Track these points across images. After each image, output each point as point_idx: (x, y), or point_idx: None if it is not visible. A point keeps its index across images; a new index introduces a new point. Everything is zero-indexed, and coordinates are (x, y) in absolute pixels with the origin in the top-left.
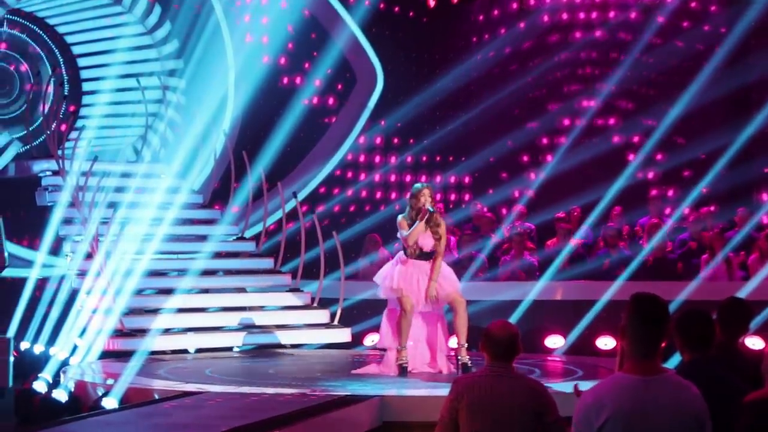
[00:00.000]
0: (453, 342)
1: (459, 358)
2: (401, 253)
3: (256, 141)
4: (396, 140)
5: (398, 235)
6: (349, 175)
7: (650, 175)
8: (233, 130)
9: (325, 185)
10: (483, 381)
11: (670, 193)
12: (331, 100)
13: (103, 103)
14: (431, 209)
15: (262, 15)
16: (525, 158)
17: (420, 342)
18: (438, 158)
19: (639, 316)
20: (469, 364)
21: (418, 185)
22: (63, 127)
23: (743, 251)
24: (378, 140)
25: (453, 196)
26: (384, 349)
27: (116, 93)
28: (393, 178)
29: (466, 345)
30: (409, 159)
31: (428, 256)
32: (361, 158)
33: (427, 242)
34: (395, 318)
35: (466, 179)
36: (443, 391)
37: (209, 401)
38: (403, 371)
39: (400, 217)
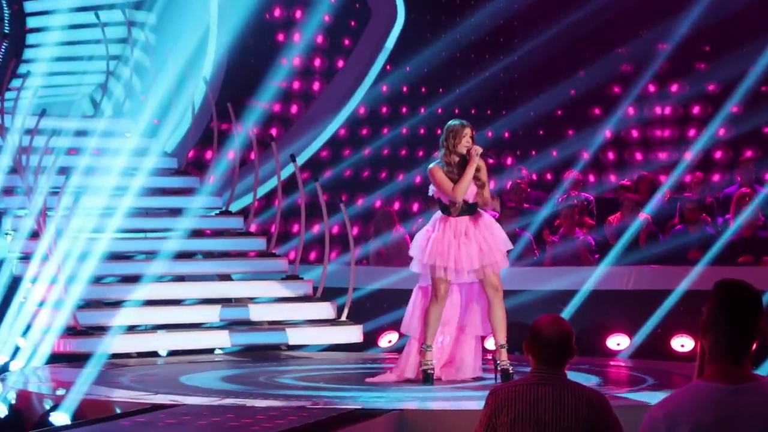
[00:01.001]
0: (490, 343)
1: (498, 362)
2: (437, 214)
3: (245, 91)
4: (423, 89)
5: (430, 191)
6: (361, 134)
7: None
8: (216, 77)
9: (330, 146)
10: (527, 391)
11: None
12: (339, 40)
13: (53, 43)
14: (480, 150)
15: None
16: (568, 113)
17: (449, 329)
18: (473, 111)
19: (724, 310)
20: (511, 371)
21: (455, 122)
22: (2, 74)
23: None
24: (396, 90)
25: (491, 160)
26: (400, 350)
27: (69, 30)
28: (412, 138)
29: (506, 346)
30: (438, 111)
31: (472, 209)
32: (376, 113)
33: (470, 194)
34: (426, 301)
35: (507, 137)
36: (477, 404)
37: (184, 417)
38: (427, 378)
39: (433, 164)
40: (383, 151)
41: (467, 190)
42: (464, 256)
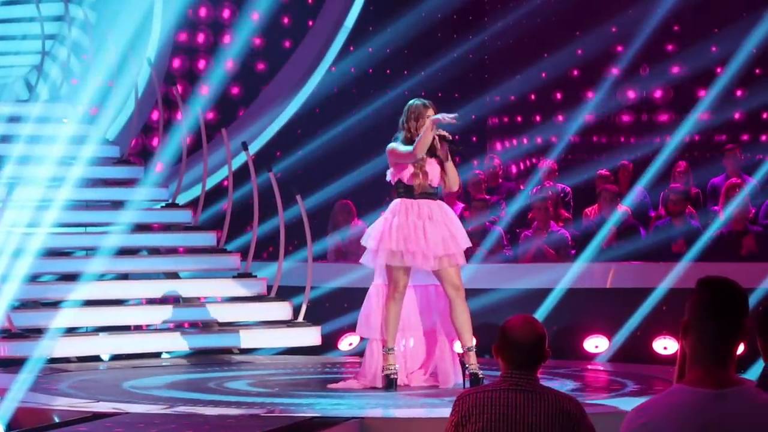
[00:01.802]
0: (457, 346)
1: (466, 366)
2: (396, 201)
3: (192, 73)
4: (387, 71)
5: (388, 176)
6: (319, 119)
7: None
8: (161, 59)
9: (286, 134)
10: (498, 397)
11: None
12: (293, 18)
13: None
14: (448, 136)
15: None
16: (558, 95)
17: (412, 333)
18: (440, 94)
19: (707, 309)
20: (480, 375)
21: (417, 101)
22: None
23: None
24: (357, 72)
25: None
26: (361, 353)
27: (1, 7)
28: (375, 124)
29: (473, 348)
30: (405, 93)
31: (434, 194)
32: (335, 97)
33: (434, 174)
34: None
35: (478, 124)
36: (444, 411)
37: (128, 425)
38: (390, 384)
39: (391, 144)
40: (343, 138)
41: (424, 151)
42: (432, 239)
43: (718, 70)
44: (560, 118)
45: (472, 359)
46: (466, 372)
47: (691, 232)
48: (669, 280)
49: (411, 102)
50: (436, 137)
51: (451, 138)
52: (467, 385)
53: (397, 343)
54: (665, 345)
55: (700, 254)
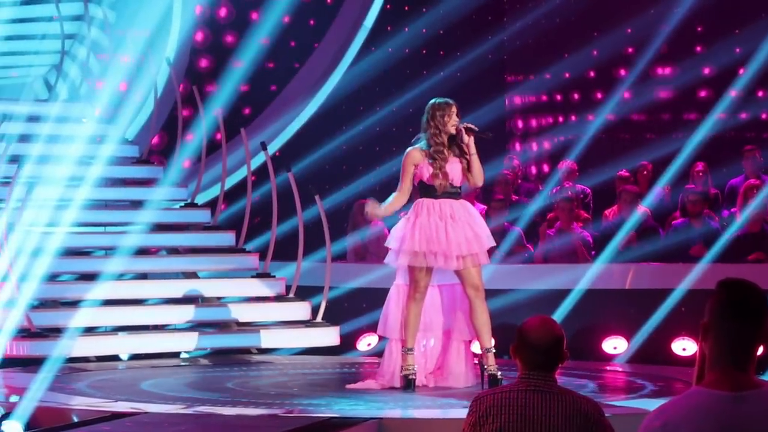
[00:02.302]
0: (476, 346)
1: (485, 367)
2: (417, 201)
3: (212, 73)
4: (407, 71)
5: (398, 188)
6: (339, 120)
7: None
8: (180, 58)
9: (305, 133)
10: (515, 398)
11: None
12: (313, 17)
13: (3, 20)
14: (474, 128)
15: None
16: (576, 95)
17: (432, 333)
18: (459, 94)
19: (727, 311)
20: (499, 376)
21: (440, 100)
22: None
23: None
24: (377, 71)
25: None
26: (380, 353)
27: (20, 6)
28: (394, 124)
29: (492, 349)
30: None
31: (456, 193)
32: (354, 97)
33: (455, 173)
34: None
35: (497, 124)
36: (461, 412)
37: (147, 425)
38: (409, 384)
39: (411, 147)
40: (362, 138)
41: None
42: (454, 239)
43: (741, 70)
44: (582, 117)
45: (491, 360)
46: (485, 373)
47: (710, 233)
48: (688, 281)
49: (432, 101)
50: (462, 130)
51: (477, 129)
52: (486, 385)
53: (418, 343)
54: (684, 346)
55: (719, 255)
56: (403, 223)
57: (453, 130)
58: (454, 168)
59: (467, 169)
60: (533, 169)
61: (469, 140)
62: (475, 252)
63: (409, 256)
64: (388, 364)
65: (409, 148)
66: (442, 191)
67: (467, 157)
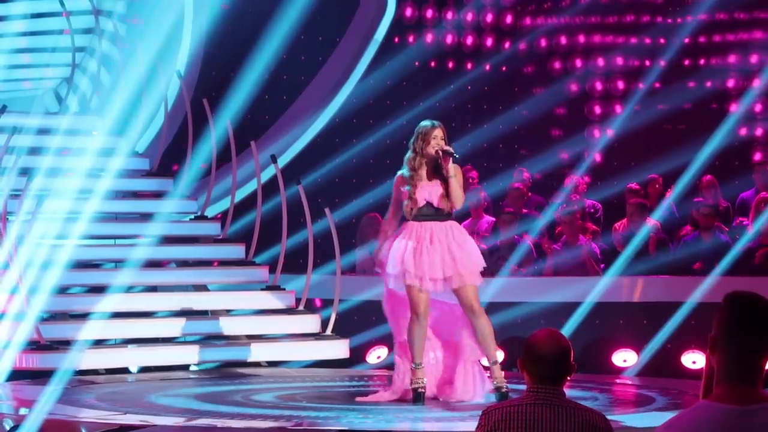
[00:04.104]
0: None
1: (493, 382)
2: (402, 225)
3: (222, 85)
4: (419, 83)
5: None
6: (349, 133)
7: (758, 132)
8: (191, 71)
9: (315, 146)
10: (523, 411)
11: None
12: (324, 30)
13: (13, 33)
14: (453, 152)
15: None
16: (586, 110)
17: (437, 344)
18: (469, 106)
19: (735, 324)
20: (505, 389)
21: (426, 123)
22: None
23: None
24: (386, 86)
25: (485, 162)
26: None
27: (31, 19)
28: (403, 137)
29: (498, 362)
30: (436, 105)
31: (436, 216)
32: (365, 110)
33: (433, 195)
34: (397, 305)
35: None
36: (471, 425)
37: None
38: (418, 397)
39: (397, 174)
40: (371, 151)
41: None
42: (426, 262)
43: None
44: (591, 132)
45: (497, 373)
46: (494, 387)
47: (719, 247)
48: (698, 294)
49: (420, 123)
50: (440, 153)
51: (453, 151)
52: (493, 399)
53: (426, 355)
54: (694, 359)
55: (729, 269)
56: (387, 245)
57: (432, 152)
58: (433, 191)
59: (447, 194)
60: (542, 182)
61: (447, 164)
62: (450, 276)
63: (401, 279)
64: (398, 377)
65: (398, 173)
66: (411, 216)
67: (445, 175)
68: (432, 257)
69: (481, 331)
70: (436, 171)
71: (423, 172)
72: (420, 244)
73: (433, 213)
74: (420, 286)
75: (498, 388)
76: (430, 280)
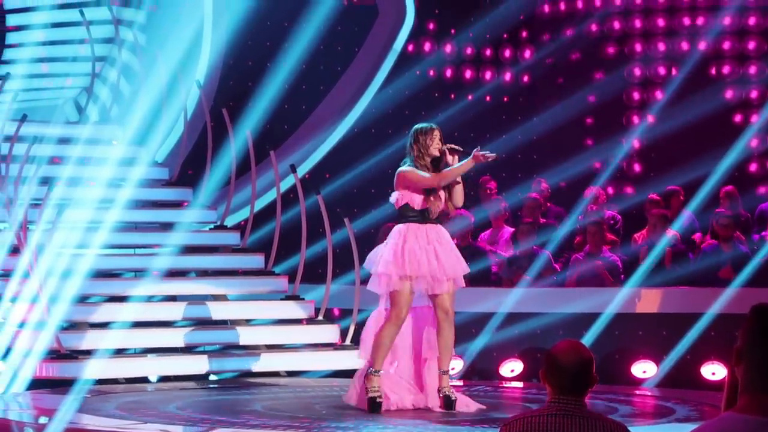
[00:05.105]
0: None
1: (440, 389)
2: (399, 227)
3: (242, 96)
4: (436, 94)
5: (392, 198)
6: (368, 142)
7: None
8: (210, 81)
9: (334, 156)
10: (545, 422)
11: None
12: (343, 40)
13: (34, 42)
14: (458, 148)
15: None
16: (606, 119)
17: (405, 356)
18: (489, 117)
19: (759, 337)
20: (453, 398)
21: (423, 125)
22: None
23: None
24: (405, 96)
25: (504, 172)
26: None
27: (51, 29)
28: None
29: (449, 372)
30: (453, 116)
31: (438, 218)
32: (384, 120)
33: (441, 198)
34: (422, 321)
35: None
36: None
37: None
38: (375, 406)
39: (407, 168)
40: (389, 161)
41: (449, 182)
42: (445, 261)
43: None
44: (609, 142)
45: (446, 382)
46: (440, 394)
47: (739, 257)
48: (718, 305)
49: (416, 126)
50: (447, 151)
51: (460, 148)
52: (441, 407)
53: (400, 364)
54: (713, 370)
55: (750, 280)
56: (387, 249)
57: (437, 153)
58: (440, 193)
59: (448, 194)
60: (561, 193)
61: (453, 160)
62: (459, 275)
63: (397, 282)
64: (353, 391)
65: (402, 168)
66: (434, 216)
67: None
68: (447, 257)
69: (445, 335)
70: (437, 172)
71: (429, 174)
72: (432, 246)
73: (431, 217)
74: (435, 290)
75: (445, 395)
76: (435, 281)
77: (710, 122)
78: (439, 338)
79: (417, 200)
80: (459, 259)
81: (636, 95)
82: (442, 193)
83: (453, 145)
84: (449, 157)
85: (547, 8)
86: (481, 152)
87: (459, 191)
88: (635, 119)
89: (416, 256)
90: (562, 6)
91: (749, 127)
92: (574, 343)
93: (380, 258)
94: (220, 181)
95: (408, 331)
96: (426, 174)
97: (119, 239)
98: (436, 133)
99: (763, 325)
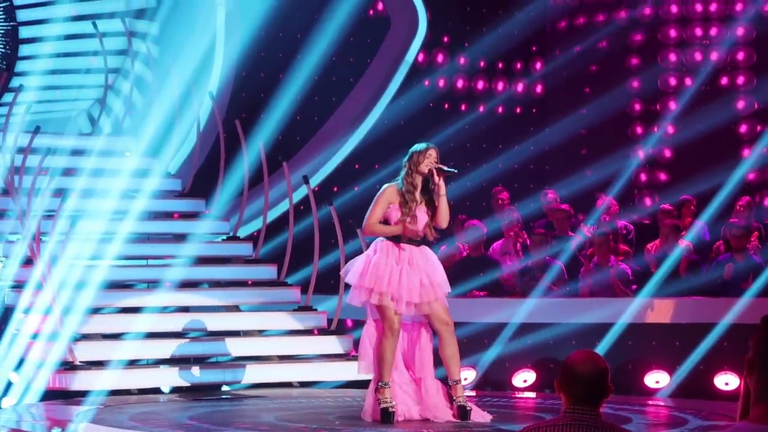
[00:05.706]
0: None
1: (454, 399)
2: (377, 240)
3: (255, 107)
4: (445, 106)
5: (367, 217)
6: (380, 154)
7: None
8: (223, 93)
9: (346, 167)
10: None
11: None
12: (355, 52)
13: (48, 54)
14: (444, 168)
15: None
16: (614, 130)
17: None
18: (500, 128)
19: None
20: (468, 408)
21: (420, 144)
22: None
23: None
24: (417, 108)
25: (517, 183)
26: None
27: (64, 41)
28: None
29: (460, 382)
30: (464, 128)
31: (418, 240)
32: (396, 131)
33: (420, 217)
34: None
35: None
36: None
37: None
38: (387, 417)
39: (387, 185)
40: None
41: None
42: (405, 284)
43: None
44: (620, 151)
45: (460, 392)
46: (454, 404)
47: (752, 268)
48: (730, 316)
49: (416, 145)
50: (435, 171)
51: (446, 168)
52: (456, 417)
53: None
54: (726, 381)
55: (763, 290)
56: (361, 259)
57: (425, 170)
58: (422, 218)
59: (432, 216)
60: (571, 203)
61: (439, 181)
62: (429, 300)
63: (363, 293)
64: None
65: (386, 185)
66: (408, 238)
67: (435, 203)
68: (412, 280)
69: (448, 346)
70: (424, 192)
71: (417, 193)
72: (400, 266)
73: (402, 241)
74: (396, 309)
75: (460, 406)
76: (404, 303)
77: (721, 133)
78: (443, 350)
79: (393, 218)
80: (432, 284)
81: (648, 106)
82: (422, 216)
83: (441, 166)
84: (436, 177)
85: (563, 22)
86: (410, 228)
87: (443, 209)
88: (647, 129)
89: (379, 271)
90: (581, 19)
91: (763, 137)
92: (590, 353)
93: (352, 269)
94: (233, 192)
95: (399, 349)
96: (378, 213)
97: (132, 250)
98: (431, 152)
99: None
